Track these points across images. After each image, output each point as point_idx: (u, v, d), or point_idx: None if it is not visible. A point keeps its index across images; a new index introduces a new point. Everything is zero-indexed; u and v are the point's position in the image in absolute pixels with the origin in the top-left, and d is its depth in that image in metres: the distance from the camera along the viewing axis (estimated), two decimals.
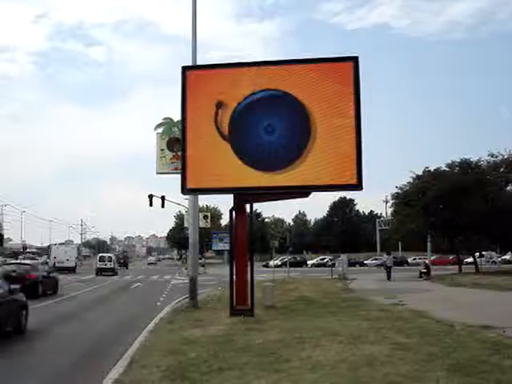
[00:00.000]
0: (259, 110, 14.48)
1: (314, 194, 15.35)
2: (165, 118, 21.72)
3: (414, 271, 40.39)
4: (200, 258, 43.86)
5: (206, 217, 50.21)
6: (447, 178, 36.77)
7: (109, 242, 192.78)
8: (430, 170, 39.50)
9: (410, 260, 69.41)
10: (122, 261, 66.91)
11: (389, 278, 33.79)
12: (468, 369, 7.46)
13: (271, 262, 55.77)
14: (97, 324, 14.82)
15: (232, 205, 15.13)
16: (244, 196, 14.91)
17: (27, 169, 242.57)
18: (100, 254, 54.41)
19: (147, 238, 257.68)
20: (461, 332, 10.95)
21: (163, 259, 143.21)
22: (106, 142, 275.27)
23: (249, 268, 14.93)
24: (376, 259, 73.30)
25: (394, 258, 69.63)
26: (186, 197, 25.02)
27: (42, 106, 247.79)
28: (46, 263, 39.65)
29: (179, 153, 17.52)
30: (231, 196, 15.17)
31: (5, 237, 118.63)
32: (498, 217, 33.79)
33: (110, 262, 48.62)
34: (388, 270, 34.73)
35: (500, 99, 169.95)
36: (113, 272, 47.04)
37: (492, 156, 37.70)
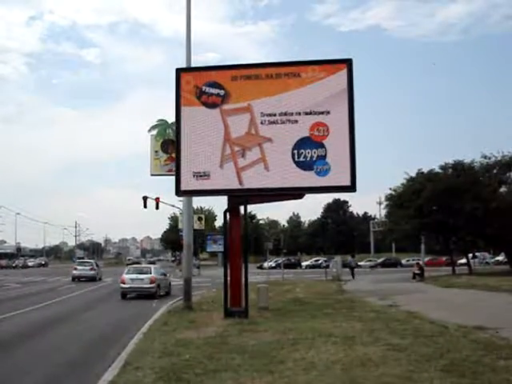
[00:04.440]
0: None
1: (307, 196, 15.40)
2: (159, 120, 21.70)
3: (408, 272, 40.48)
4: (195, 260, 43.93)
5: (200, 219, 50.18)
6: (441, 180, 36.93)
7: (103, 244, 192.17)
8: (423, 172, 39.68)
9: (403, 261, 69.52)
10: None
11: (353, 277, 37.75)
12: (461, 369, 7.50)
13: (265, 264, 55.73)
14: (91, 326, 14.78)
15: (226, 207, 15.17)
16: (238, 198, 14.94)
17: (21, 171, 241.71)
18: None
19: (141, 240, 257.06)
20: (454, 333, 11.00)
21: (157, 261, 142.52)
22: (101, 143, 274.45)
23: (243, 270, 14.96)
24: (370, 261, 73.50)
25: (387, 259, 70.78)
26: (181, 198, 25.08)
27: (37, 107, 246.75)
28: None
29: (173, 155, 17.53)
30: (225, 198, 15.21)
31: None
32: (491, 218, 33.93)
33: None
34: (352, 270, 39.02)
35: (495, 101, 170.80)
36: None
37: (485, 158, 37.95)
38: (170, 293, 25.63)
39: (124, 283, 24.16)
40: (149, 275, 24.39)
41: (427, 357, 8.42)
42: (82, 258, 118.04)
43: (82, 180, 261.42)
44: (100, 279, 40.93)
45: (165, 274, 27.17)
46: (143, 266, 34.56)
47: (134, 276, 24.37)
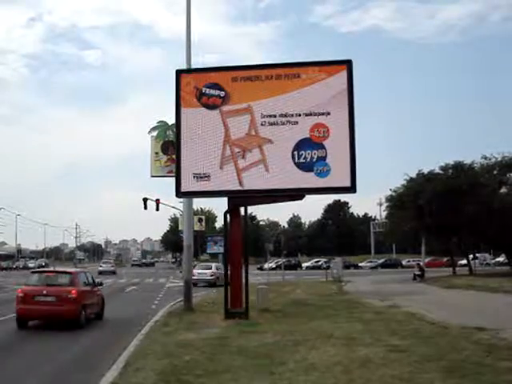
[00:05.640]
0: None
1: (308, 197, 15.39)
2: (159, 122, 21.72)
3: (408, 273, 40.49)
4: (195, 261, 43.95)
5: (200, 220, 50.26)
6: (441, 181, 36.92)
7: (103, 246, 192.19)
8: (423, 173, 39.66)
9: (404, 262, 69.57)
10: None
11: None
12: (462, 370, 7.51)
13: (266, 265, 55.75)
14: (91, 327, 14.77)
15: (226, 208, 15.17)
16: (238, 199, 14.94)
17: (21, 172, 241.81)
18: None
19: (142, 241, 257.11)
20: (455, 334, 11.01)
21: (156, 262, 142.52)
22: (101, 145, 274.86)
23: (243, 271, 14.95)
24: (370, 261, 73.50)
25: (387, 260, 70.87)
26: (181, 200, 25.09)
27: (37, 109, 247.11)
28: None
29: (174, 156, 17.54)
30: (226, 199, 15.21)
31: None
32: (491, 219, 33.92)
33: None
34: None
35: (494, 101, 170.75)
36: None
37: (485, 158, 37.92)
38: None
39: (193, 275, 32.96)
40: (210, 270, 35.17)
41: (428, 358, 8.42)
42: (83, 260, 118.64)
43: (83, 181, 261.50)
44: (115, 273, 56.88)
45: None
46: (207, 263, 42.88)
47: (200, 270, 34.01)
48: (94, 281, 16.75)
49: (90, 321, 15.10)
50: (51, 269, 20.44)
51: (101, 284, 17.62)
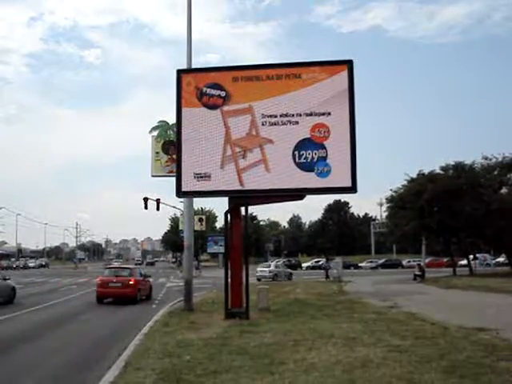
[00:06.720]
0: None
1: (308, 197, 15.39)
2: (160, 121, 21.75)
3: (409, 274, 40.49)
4: (195, 260, 43.97)
5: (201, 220, 50.20)
6: (441, 181, 36.93)
7: (104, 245, 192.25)
8: (424, 173, 39.68)
9: (404, 262, 69.58)
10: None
11: (327, 277, 39.65)
12: (462, 370, 7.50)
13: None
14: (92, 326, 14.79)
15: (227, 208, 15.18)
16: (238, 199, 14.94)
17: (22, 171, 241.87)
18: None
19: (142, 241, 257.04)
20: (455, 334, 11.00)
21: (156, 262, 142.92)
22: (102, 144, 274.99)
23: (244, 271, 14.95)
24: (371, 262, 73.52)
25: (388, 260, 70.74)
26: (181, 200, 25.11)
27: (38, 108, 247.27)
28: None
29: (174, 156, 17.55)
30: (226, 199, 15.21)
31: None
32: (491, 219, 33.93)
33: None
34: (326, 271, 40.78)
35: (494, 101, 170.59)
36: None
37: (486, 159, 37.97)
38: (291, 279, 40.28)
39: (257, 272, 40.11)
40: (269, 268, 41.05)
41: (428, 358, 8.42)
42: (83, 259, 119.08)
43: (83, 181, 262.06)
44: None
45: (285, 267, 44.70)
46: (267, 262, 49.49)
47: (261, 268, 40.65)
48: (145, 274, 24.36)
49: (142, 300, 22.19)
50: (118, 265, 29.64)
51: (149, 276, 25.40)
